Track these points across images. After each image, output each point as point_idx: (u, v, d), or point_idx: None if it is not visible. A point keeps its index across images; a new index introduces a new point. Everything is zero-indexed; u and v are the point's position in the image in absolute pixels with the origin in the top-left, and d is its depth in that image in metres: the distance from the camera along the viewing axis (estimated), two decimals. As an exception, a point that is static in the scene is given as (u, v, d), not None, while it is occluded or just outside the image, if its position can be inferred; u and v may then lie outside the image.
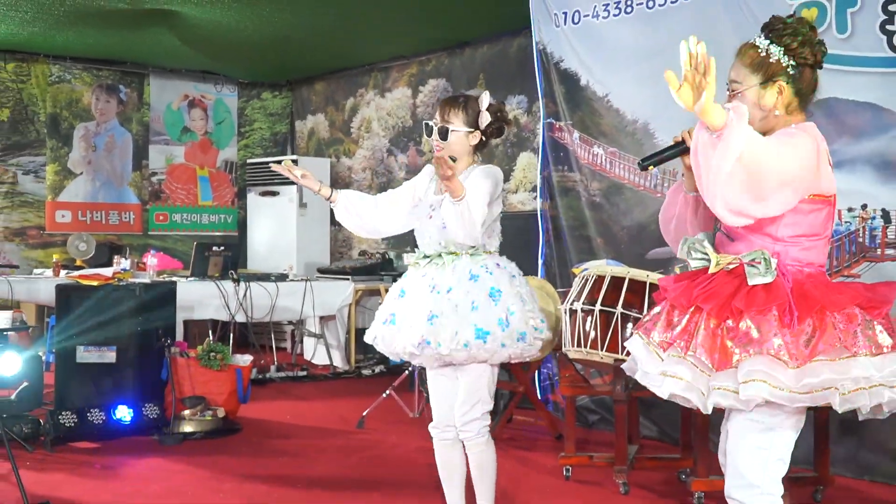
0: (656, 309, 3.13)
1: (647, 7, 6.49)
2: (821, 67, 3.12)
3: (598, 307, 5.17)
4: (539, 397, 7.00)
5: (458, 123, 4.25)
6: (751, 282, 2.93)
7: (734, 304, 2.91)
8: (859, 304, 2.94)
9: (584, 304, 5.25)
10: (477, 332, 4.06)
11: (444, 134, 4.25)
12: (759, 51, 3.05)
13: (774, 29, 3.07)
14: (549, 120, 7.20)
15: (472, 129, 4.26)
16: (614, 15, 6.70)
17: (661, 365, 3.00)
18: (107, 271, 6.91)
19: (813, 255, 3.01)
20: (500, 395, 7.06)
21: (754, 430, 2.93)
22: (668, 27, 6.34)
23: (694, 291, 2.99)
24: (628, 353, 3.22)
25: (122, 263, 7.71)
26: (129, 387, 6.40)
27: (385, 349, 4.32)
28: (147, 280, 7.19)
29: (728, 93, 3.09)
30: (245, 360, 6.93)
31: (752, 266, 2.94)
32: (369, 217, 4.49)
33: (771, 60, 3.04)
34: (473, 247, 4.21)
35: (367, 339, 4.45)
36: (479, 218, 4.06)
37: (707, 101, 2.72)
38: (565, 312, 5.37)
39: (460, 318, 4.08)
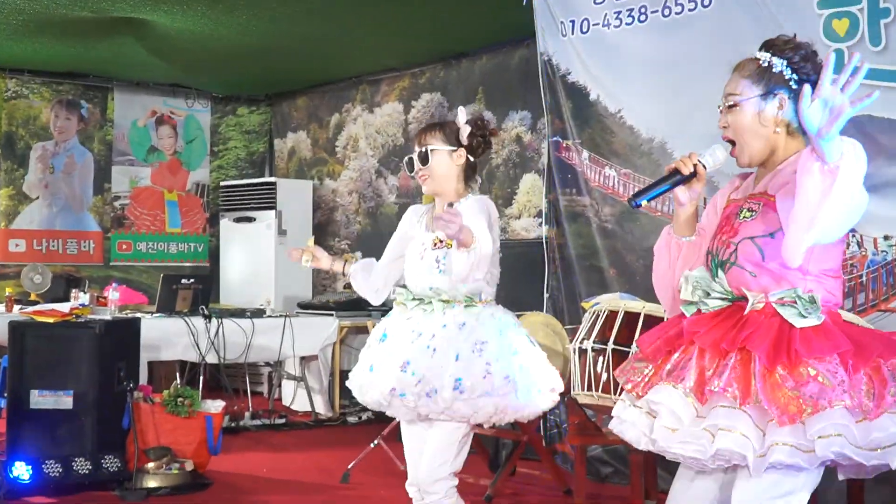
0: (674, 356, 3.09)
1: (663, 15, 6.55)
2: None
3: (610, 346, 5.18)
4: (545, 447, 7.01)
5: (437, 143, 4.33)
6: (798, 324, 2.95)
7: (794, 348, 2.90)
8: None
9: (594, 342, 5.27)
10: (455, 381, 4.08)
11: (424, 158, 4.32)
12: (761, 61, 3.15)
13: (775, 45, 3.17)
14: (555, 138, 7.24)
15: (455, 147, 4.33)
16: (627, 23, 6.76)
17: (705, 420, 2.94)
18: (64, 307, 6.93)
19: (836, 293, 3.09)
20: (503, 446, 7.08)
21: (772, 495, 2.93)
22: (686, 37, 6.40)
23: (732, 334, 2.97)
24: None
25: (81, 298, 7.73)
26: (88, 436, 6.40)
27: (361, 398, 4.38)
28: (108, 316, 7.21)
29: (722, 108, 3.18)
30: (216, 406, 6.94)
31: (790, 306, 2.98)
32: (381, 285, 4.64)
33: (773, 71, 3.13)
34: (470, 297, 4.25)
35: (349, 384, 4.51)
36: (490, 251, 4.12)
37: (836, 129, 2.75)
38: (574, 352, 5.40)
39: (434, 364, 4.11)
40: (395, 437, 7.45)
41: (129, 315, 7.90)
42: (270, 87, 11.94)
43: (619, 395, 3.32)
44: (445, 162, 4.34)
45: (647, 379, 3.14)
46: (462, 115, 4.37)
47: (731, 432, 2.86)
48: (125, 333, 6.84)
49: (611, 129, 6.88)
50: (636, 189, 3.20)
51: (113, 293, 7.82)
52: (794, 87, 3.11)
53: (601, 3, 6.85)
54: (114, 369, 6.55)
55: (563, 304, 7.19)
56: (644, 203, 3.18)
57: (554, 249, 7.26)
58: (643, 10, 6.65)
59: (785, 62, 3.13)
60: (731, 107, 3.14)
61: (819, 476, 2.99)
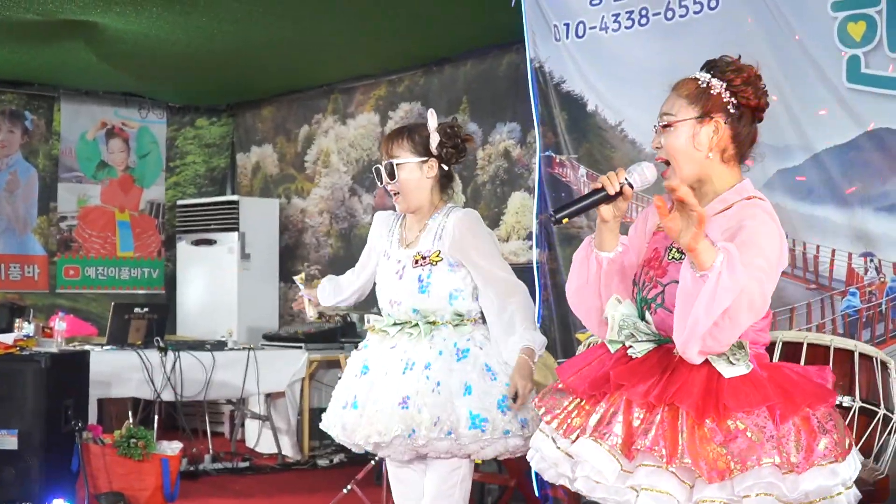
0: (601, 406, 3.19)
1: (666, 18, 6.59)
2: (760, 120, 3.36)
3: (606, 381, 5.24)
4: (536, 493, 7.05)
5: (404, 155, 4.34)
6: (726, 373, 3.09)
7: (723, 402, 3.03)
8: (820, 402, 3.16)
9: (589, 377, 5.32)
10: (472, 419, 4.10)
11: (391, 172, 4.33)
12: (700, 82, 3.31)
13: (717, 66, 3.33)
14: (546, 153, 7.27)
15: (425, 158, 4.34)
16: (626, 27, 6.80)
17: (631, 477, 3.07)
18: (7, 338, 6.96)
19: (764, 333, 3.27)
20: (489, 491, 7.11)
21: None
22: (692, 41, 6.43)
23: (660, 386, 3.09)
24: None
25: (25, 328, 7.74)
26: (35, 479, 6.41)
27: (345, 439, 4.36)
28: (54, 349, 7.23)
29: (656, 127, 3.32)
30: (173, 448, 6.96)
31: (718, 355, 3.10)
32: (348, 295, 4.72)
33: (711, 93, 3.28)
34: (459, 315, 4.27)
35: (324, 426, 4.50)
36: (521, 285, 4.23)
37: (698, 235, 2.89)
38: (567, 387, 5.45)
39: (444, 401, 4.13)
40: (370, 481, 7.50)
41: (78, 348, 7.92)
42: (232, 97, 11.97)
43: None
44: (415, 175, 4.33)
45: (570, 417, 3.26)
46: (432, 121, 4.37)
47: (653, 491, 3.01)
48: (73, 368, 6.86)
49: (611, 143, 6.90)
50: (559, 208, 3.26)
51: (59, 323, 7.84)
52: (733, 111, 3.27)
53: (598, 4, 6.88)
54: (61, 407, 6.57)
55: (555, 335, 7.21)
56: (565, 220, 3.27)
57: (545, 275, 7.28)
58: (644, 12, 6.67)
59: (725, 84, 3.28)
60: (665, 126, 3.28)
61: None
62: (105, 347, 8.43)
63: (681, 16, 6.51)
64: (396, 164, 4.30)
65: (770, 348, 4.77)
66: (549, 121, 7.25)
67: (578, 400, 3.27)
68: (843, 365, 4.63)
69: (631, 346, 3.23)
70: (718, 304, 2.89)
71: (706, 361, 3.09)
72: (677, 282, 3.08)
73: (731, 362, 3.09)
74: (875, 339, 5.47)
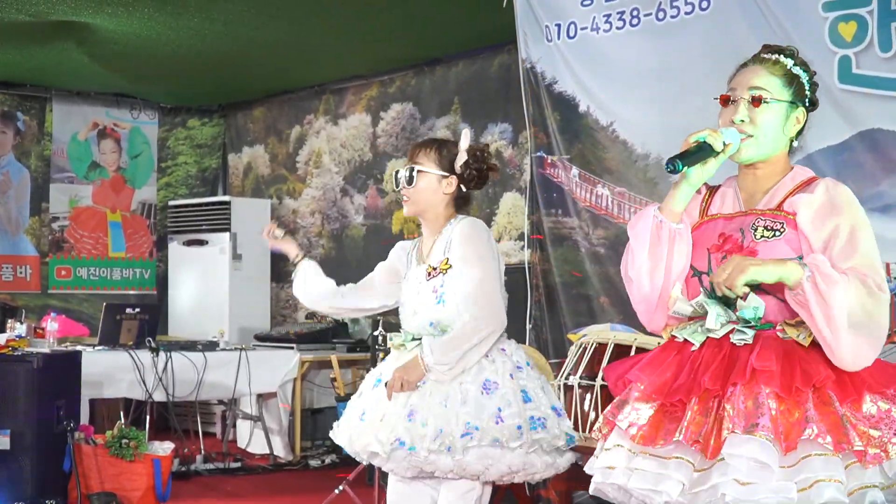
0: (734, 401, 2.98)
1: (657, 19, 6.60)
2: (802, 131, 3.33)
3: (598, 382, 5.21)
4: (528, 493, 7.05)
5: (429, 165, 4.33)
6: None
7: (867, 382, 3.00)
8: None
9: (581, 378, 5.31)
10: (466, 426, 4.10)
11: (410, 178, 4.32)
12: (788, 67, 3.24)
13: (792, 54, 3.26)
14: (538, 153, 7.27)
15: (447, 173, 4.33)
16: (618, 28, 6.80)
17: (795, 471, 2.91)
18: (-1, 338, 6.95)
19: None
20: (480, 490, 7.10)
21: None
22: (683, 42, 6.44)
23: (798, 372, 2.98)
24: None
25: (17, 329, 7.74)
26: (27, 479, 6.41)
27: (349, 448, 4.36)
28: (46, 349, 7.22)
29: (737, 98, 3.23)
30: (165, 448, 6.95)
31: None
32: (326, 300, 4.66)
33: (800, 81, 3.25)
34: None
35: (333, 435, 4.49)
36: (476, 282, 4.16)
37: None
38: (559, 388, 5.43)
39: (449, 413, 4.12)
40: (362, 482, 7.49)
41: (69, 348, 7.90)
42: (224, 97, 11.96)
43: (605, 437, 3.26)
44: (432, 187, 4.33)
45: (665, 427, 3.08)
46: (464, 141, 4.36)
47: (832, 481, 2.86)
48: (65, 368, 6.85)
49: (603, 144, 6.90)
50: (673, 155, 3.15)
51: (51, 324, 7.83)
52: (807, 104, 3.25)
53: (589, 4, 6.89)
54: (53, 407, 6.56)
55: (546, 335, 7.21)
56: (685, 169, 3.13)
57: (537, 276, 7.28)
58: (635, 12, 6.68)
59: (807, 77, 3.26)
60: (757, 100, 3.17)
61: None
62: (97, 348, 8.42)
63: (672, 16, 6.52)
64: (417, 171, 4.31)
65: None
66: (540, 121, 7.25)
67: (659, 406, 3.12)
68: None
69: (742, 336, 3.06)
70: (836, 317, 2.92)
71: (817, 344, 3.00)
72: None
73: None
74: (867, 340, 5.46)
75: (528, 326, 7.25)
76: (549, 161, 7.22)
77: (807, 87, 3.25)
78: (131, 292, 11.66)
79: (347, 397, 8.03)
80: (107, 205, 11.62)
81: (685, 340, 3.17)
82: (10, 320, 8.39)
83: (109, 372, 8.22)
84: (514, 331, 7.03)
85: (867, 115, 5.54)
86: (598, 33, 6.90)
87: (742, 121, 3.18)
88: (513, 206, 9.05)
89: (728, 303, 3.09)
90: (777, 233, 3.10)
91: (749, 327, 3.07)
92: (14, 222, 11.05)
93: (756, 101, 3.17)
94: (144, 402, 8.72)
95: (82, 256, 11.44)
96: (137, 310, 8.82)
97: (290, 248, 4.73)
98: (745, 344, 3.05)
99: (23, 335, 7.57)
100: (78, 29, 8.69)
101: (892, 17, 5.47)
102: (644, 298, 3.28)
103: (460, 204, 4.42)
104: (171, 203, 11.58)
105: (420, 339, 4.30)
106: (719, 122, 3.25)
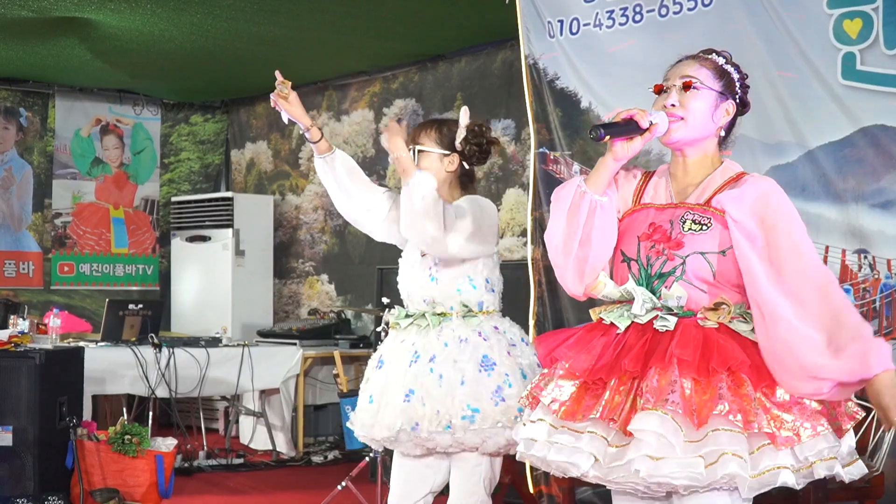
0: (650, 379, 3.14)
1: (660, 15, 6.60)
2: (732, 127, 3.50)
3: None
4: (531, 489, 7.05)
5: (430, 144, 4.34)
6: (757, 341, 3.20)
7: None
8: None
9: (584, 373, 5.31)
10: (467, 408, 4.10)
11: (412, 157, 4.33)
12: (719, 63, 3.42)
13: (722, 55, 3.46)
14: (541, 150, 7.28)
15: (448, 152, 4.34)
16: (620, 24, 6.80)
17: (701, 445, 3.04)
18: (1, 334, 6.95)
19: None
20: (483, 487, 7.10)
21: None
22: (686, 39, 6.42)
23: (715, 355, 3.13)
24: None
25: (20, 325, 7.74)
26: (30, 475, 6.41)
27: (364, 436, 4.37)
28: (49, 345, 7.23)
29: (669, 87, 3.40)
30: (167, 444, 6.95)
31: (741, 322, 3.23)
32: (357, 193, 4.52)
33: (731, 77, 3.42)
34: (467, 307, 4.26)
35: (351, 426, 4.49)
36: (437, 219, 4.10)
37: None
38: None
39: (444, 394, 4.12)
40: (364, 478, 7.49)
41: (72, 344, 7.91)
42: (227, 93, 11.96)
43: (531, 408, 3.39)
44: (434, 166, 4.33)
45: (584, 403, 3.20)
46: (463, 118, 4.38)
47: (737, 457, 2.99)
48: (67, 364, 6.86)
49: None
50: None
51: (54, 320, 7.83)
52: (737, 101, 3.43)
53: (592, 1, 6.88)
54: (55, 403, 6.57)
55: (549, 330, 7.21)
56: (607, 139, 3.31)
57: (540, 271, 7.28)
58: (638, 9, 6.68)
59: (738, 76, 3.44)
60: (687, 87, 3.34)
61: None
62: (99, 344, 8.43)
63: (675, 12, 6.52)
64: (419, 151, 4.33)
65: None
66: (543, 118, 7.24)
67: (582, 384, 3.24)
68: (838, 361, 4.62)
69: (665, 322, 3.21)
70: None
71: (730, 332, 3.19)
72: (701, 253, 3.22)
73: (754, 331, 3.19)
74: (870, 336, 5.46)
75: (530, 322, 7.26)
76: (551, 157, 7.22)
77: (737, 85, 3.42)
78: (134, 288, 11.66)
79: (350, 393, 8.07)
80: (109, 201, 11.62)
81: (612, 323, 3.31)
82: (12, 316, 8.38)
83: (112, 368, 8.23)
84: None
85: (870, 111, 5.54)
86: (600, 29, 6.90)
87: (673, 105, 3.35)
88: (516, 202, 9.05)
89: (654, 291, 3.26)
90: (704, 227, 3.26)
91: (672, 314, 3.23)
92: (17, 218, 11.05)
93: (686, 87, 3.34)
94: (147, 399, 8.72)
95: (85, 252, 11.44)
96: (140, 306, 8.83)
97: (303, 116, 4.56)
98: (666, 330, 3.20)
99: (25, 331, 7.57)
100: (81, 25, 8.69)
101: (898, 14, 5.47)
102: (559, 264, 3.42)
103: (465, 182, 4.43)
104: (174, 199, 11.58)
105: (413, 315, 4.30)
106: (652, 109, 3.40)
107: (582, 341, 3.32)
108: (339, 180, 4.49)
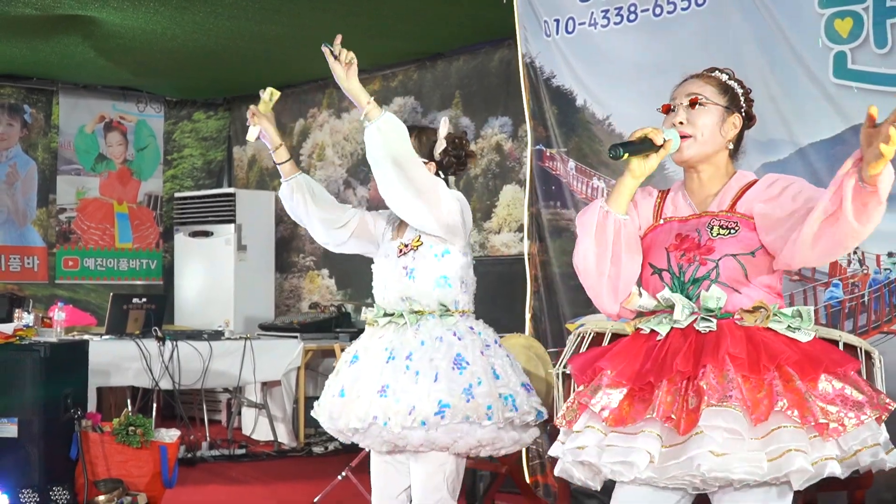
0: (706, 378, 3.15)
1: (654, 14, 6.59)
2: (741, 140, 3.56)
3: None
4: (527, 480, 7.05)
5: None
6: (801, 338, 3.25)
7: (824, 363, 3.20)
8: None
9: (579, 366, 5.31)
10: (438, 404, 4.10)
11: None
12: (722, 79, 3.51)
13: (724, 71, 3.54)
14: (537, 146, 7.28)
15: (426, 161, 4.33)
16: (615, 23, 6.80)
17: (765, 442, 3.09)
18: (7, 328, 6.93)
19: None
20: (481, 478, 7.11)
21: None
22: (679, 38, 6.44)
23: (763, 352, 3.18)
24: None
25: (25, 318, 7.73)
26: (35, 466, 6.41)
27: (331, 426, 4.36)
28: (54, 339, 7.22)
29: (676, 106, 3.45)
30: (171, 435, 6.95)
31: (776, 322, 3.27)
32: (313, 209, 4.55)
33: (735, 91, 3.50)
34: (444, 305, 4.26)
35: (314, 413, 4.50)
36: (419, 167, 4.12)
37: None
38: (557, 377, 5.42)
39: (420, 390, 4.12)
40: (364, 468, 7.49)
41: (77, 337, 7.91)
42: (229, 91, 11.96)
43: (570, 423, 3.39)
44: None
45: (633, 409, 3.23)
46: (443, 129, 4.37)
47: (802, 452, 3.03)
48: (72, 357, 6.85)
49: (599, 138, 6.90)
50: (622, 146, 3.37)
51: (59, 313, 7.82)
52: (743, 115, 3.50)
53: (587, 0, 6.89)
54: (60, 396, 6.56)
55: (545, 325, 7.20)
56: (625, 157, 3.34)
57: (536, 266, 7.28)
58: (633, 8, 6.68)
59: (741, 91, 3.51)
60: (694, 104, 3.40)
61: None
62: (104, 337, 8.43)
63: (668, 12, 6.51)
64: None
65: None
66: (539, 115, 7.24)
67: (629, 391, 3.27)
68: (828, 355, 4.62)
69: (708, 324, 3.25)
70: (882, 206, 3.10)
71: (770, 330, 3.24)
72: (732, 255, 3.29)
73: (791, 329, 3.25)
74: (858, 330, 5.48)
75: (527, 316, 7.26)
76: (547, 154, 7.23)
77: (741, 99, 3.50)
78: (138, 282, 11.66)
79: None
80: (113, 196, 11.63)
81: (651, 331, 3.34)
82: (17, 310, 8.37)
83: (116, 361, 8.24)
84: (513, 320, 7.05)
85: (861, 109, 5.51)
86: (595, 28, 6.90)
87: (681, 123, 3.41)
88: (513, 199, 9.05)
89: (689, 296, 3.30)
90: (732, 231, 3.34)
91: (711, 316, 3.26)
92: (21, 213, 11.05)
93: (692, 104, 3.41)
94: (151, 391, 8.74)
95: (89, 247, 11.44)
96: (144, 300, 8.84)
97: (275, 135, 4.67)
98: (710, 331, 3.23)
99: (30, 325, 7.56)
100: (84, 23, 8.69)
101: (888, 14, 5.47)
102: (592, 285, 3.47)
103: None
104: (177, 195, 11.57)
105: (392, 314, 4.31)
106: (663, 127, 3.44)
107: (624, 351, 3.37)
108: (306, 201, 4.56)
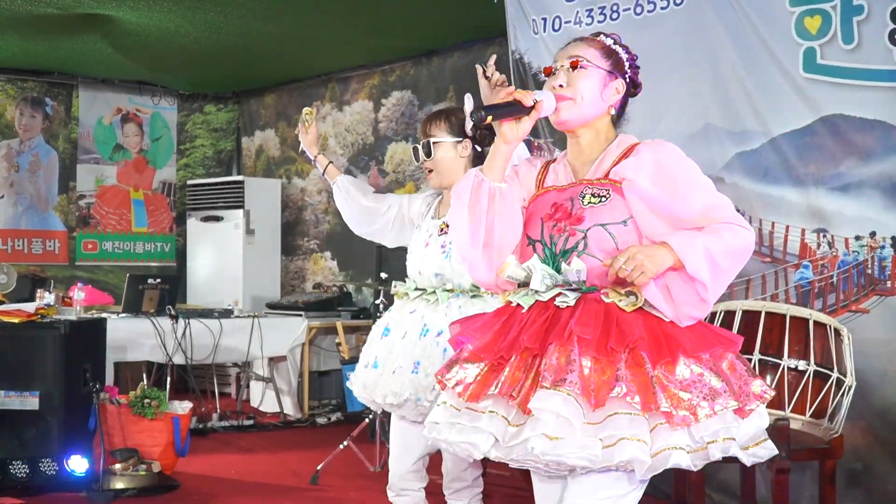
0: (550, 356, 2.84)
1: (635, 13, 6.58)
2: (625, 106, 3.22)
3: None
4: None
5: (441, 135, 4.28)
6: (666, 318, 2.92)
7: (681, 346, 2.86)
8: None
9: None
10: None
11: (428, 150, 4.28)
12: (607, 43, 3.16)
13: (610, 36, 3.19)
14: (526, 137, 7.26)
15: (460, 139, 4.29)
16: (598, 22, 6.79)
17: (600, 428, 2.77)
18: (29, 307, 6.89)
19: None
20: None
21: (610, 494, 2.90)
22: (659, 35, 6.43)
23: (615, 333, 2.85)
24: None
25: (46, 298, 7.68)
26: (54, 437, 6.39)
27: (365, 396, 4.31)
28: (73, 317, 7.18)
29: (558, 68, 3.11)
30: (184, 407, 6.93)
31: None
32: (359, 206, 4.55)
33: (619, 57, 3.15)
34: (476, 286, 4.18)
35: (349, 384, 4.45)
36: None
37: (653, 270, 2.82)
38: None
39: None
40: (364, 438, 7.48)
41: (95, 315, 7.88)
42: (238, 85, 11.92)
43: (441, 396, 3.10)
44: (450, 154, 4.27)
45: (487, 384, 2.92)
46: (468, 105, 4.33)
47: (635, 440, 2.73)
48: (91, 334, 6.83)
49: (582, 128, 6.89)
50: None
51: (78, 293, 7.78)
52: (628, 81, 3.16)
53: (573, 0, 6.88)
54: (79, 370, 6.54)
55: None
56: (489, 120, 2.99)
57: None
58: (615, 7, 6.67)
59: (626, 56, 3.17)
60: (575, 66, 3.08)
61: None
62: (121, 315, 8.41)
63: (649, 11, 6.51)
64: (433, 143, 4.27)
65: (730, 316, 4.76)
66: (528, 108, 7.21)
67: (487, 365, 2.96)
68: (798, 332, 4.62)
69: (565, 299, 2.93)
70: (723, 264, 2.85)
71: (641, 309, 2.89)
72: (602, 225, 2.95)
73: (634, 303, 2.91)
74: (827, 309, 5.47)
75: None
76: (535, 144, 7.18)
77: (626, 65, 3.15)
78: (153, 264, 11.63)
79: (351, 360, 8.06)
80: (130, 184, 11.60)
81: (518, 304, 3.03)
82: (39, 290, 8.31)
83: (132, 337, 8.23)
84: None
85: (830, 102, 5.54)
86: (580, 26, 6.89)
87: (561, 86, 3.07)
88: (503, 186, 9.01)
89: (559, 269, 2.98)
90: (603, 199, 2.99)
91: (574, 290, 2.94)
92: (43, 200, 11.02)
93: (573, 67, 3.07)
94: (165, 365, 8.72)
95: (107, 231, 11.41)
96: (158, 280, 8.80)
97: (313, 147, 4.70)
98: (567, 306, 2.92)
99: (51, 304, 7.52)
100: (102, 21, 8.66)
101: (855, 12, 5.48)
102: (467, 255, 3.14)
103: (478, 164, 4.37)
104: (190, 182, 11.54)
105: (423, 290, 4.26)
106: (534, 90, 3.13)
107: (487, 324, 3.05)
108: (350, 196, 4.56)
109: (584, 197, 3.02)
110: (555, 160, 3.26)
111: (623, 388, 2.75)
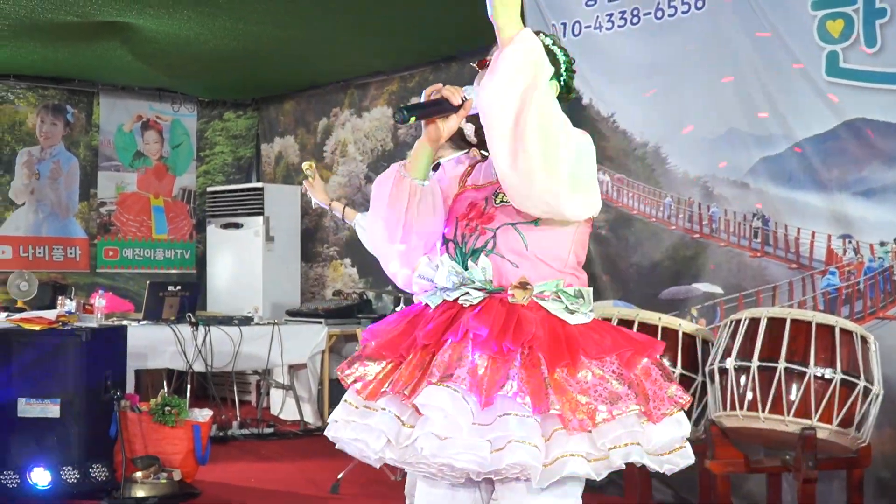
0: (443, 353, 2.75)
1: (656, 17, 6.55)
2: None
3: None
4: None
5: (446, 153, 4.26)
6: (569, 320, 2.81)
7: (580, 348, 2.74)
8: None
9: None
10: None
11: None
12: (546, 43, 2.99)
13: (553, 39, 3.04)
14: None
15: (466, 150, 4.27)
16: (619, 26, 6.75)
17: (489, 429, 2.65)
18: (50, 314, 6.89)
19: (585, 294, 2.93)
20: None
21: None
22: (679, 39, 6.40)
23: (511, 332, 2.73)
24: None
25: (67, 305, 7.70)
26: (75, 444, 6.38)
27: None
28: (94, 324, 7.19)
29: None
30: (204, 415, 6.91)
31: (555, 301, 2.84)
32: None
33: (557, 58, 3.01)
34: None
35: None
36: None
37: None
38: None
39: None
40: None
41: (116, 323, 7.87)
42: (257, 92, 11.93)
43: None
44: None
45: (385, 382, 2.82)
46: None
47: (526, 444, 2.59)
48: (112, 341, 6.82)
49: (604, 134, 6.87)
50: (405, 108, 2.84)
51: (99, 300, 7.78)
52: (561, 84, 3.01)
53: (593, 5, 6.85)
54: (100, 377, 6.53)
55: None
56: (412, 120, 2.86)
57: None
58: (636, 12, 6.64)
59: (564, 59, 3.03)
60: None
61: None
62: (141, 322, 8.40)
63: (669, 15, 6.48)
64: (442, 165, 4.26)
65: (755, 324, 4.71)
66: (547, 113, 7.17)
67: (389, 364, 2.85)
68: (824, 339, 4.57)
69: (468, 297, 2.84)
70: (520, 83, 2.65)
71: (541, 309, 2.79)
72: (511, 224, 2.84)
73: (569, 310, 2.81)
74: (854, 316, 5.42)
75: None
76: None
77: (562, 67, 3.00)
78: (173, 271, 11.64)
79: (371, 368, 8.01)
80: (150, 191, 11.62)
81: (426, 304, 2.93)
82: (60, 297, 8.34)
83: (153, 345, 8.21)
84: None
85: (853, 106, 5.50)
86: (600, 31, 6.86)
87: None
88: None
89: (466, 266, 2.87)
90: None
91: (481, 290, 2.84)
92: (64, 207, 11.04)
93: None
94: (185, 373, 8.70)
95: (128, 238, 11.42)
96: (178, 287, 8.79)
97: (324, 196, 4.73)
98: (470, 305, 2.82)
99: (72, 311, 7.53)
100: (122, 29, 8.68)
101: (877, 15, 5.45)
102: (382, 252, 3.07)
103: None
104: (209, 189, 11.54)
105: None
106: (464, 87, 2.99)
107: (394, 322, 2.93)
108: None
109: (497, 196, 2.92)
110: (485, 159, 3.11)
111: (514, 387, 2.63)
